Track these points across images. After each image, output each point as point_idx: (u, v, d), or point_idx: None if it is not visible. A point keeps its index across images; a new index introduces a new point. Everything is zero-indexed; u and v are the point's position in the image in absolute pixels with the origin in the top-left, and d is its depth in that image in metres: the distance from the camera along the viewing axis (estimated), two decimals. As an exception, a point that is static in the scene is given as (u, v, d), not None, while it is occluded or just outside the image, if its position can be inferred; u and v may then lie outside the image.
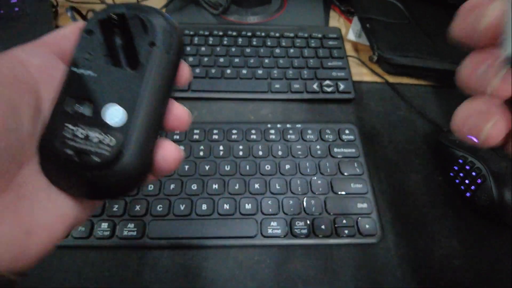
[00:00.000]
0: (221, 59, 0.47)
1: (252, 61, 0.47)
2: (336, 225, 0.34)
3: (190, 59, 0.46)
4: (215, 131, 0.39)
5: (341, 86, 0.45)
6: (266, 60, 0.47)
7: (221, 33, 0.49)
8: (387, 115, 0.44)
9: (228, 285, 0.31)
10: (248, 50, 0.48)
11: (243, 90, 0.44)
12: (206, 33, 0.49)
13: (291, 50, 0.48)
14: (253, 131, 0.40)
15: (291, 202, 0.35)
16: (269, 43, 0.49)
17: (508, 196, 0.32)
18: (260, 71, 0.46)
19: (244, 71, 0.46)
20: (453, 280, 0.32)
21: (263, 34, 0.50)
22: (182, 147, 0.17)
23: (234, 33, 0.50)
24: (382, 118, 0.44)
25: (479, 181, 0.34)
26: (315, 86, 0.45)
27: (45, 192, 0.15)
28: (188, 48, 0.48)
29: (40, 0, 0.51)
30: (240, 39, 0.49)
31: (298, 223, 0.34)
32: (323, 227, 0.33)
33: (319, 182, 0.36)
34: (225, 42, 0.48)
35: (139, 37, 0.17)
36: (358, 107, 0.45)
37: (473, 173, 0.35)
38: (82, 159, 0.15)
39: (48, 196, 0.15)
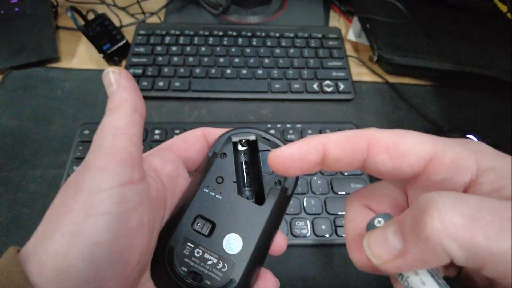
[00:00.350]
0: (221, 59, 0.47)
1: (252, 61, 0.47)
2: (336, 225, 0.34)
3: (190, 59, 0.46)
4: (215, 131, 0.39)
5: (341, 86, 0.45)
6: (266, 60, 0.47)
7: (221, 33, 0.49)
8: (387, 115, 0.44)
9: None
10: (248, 50, 0.48)
11: (243, 90, 0.44)
12: (206, 33, 0.49)
13: (291, 50, 0.48)
14: (253, 131, 0.40)
15: (291, 202, 0.35)
16: (269, 43, 0.49)
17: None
18: (260, 71, 0.46)
19: (244, 71, 0.46)
20: (453, 279, 0.32)
21: (263, 34, 0.50)
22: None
23: (234, 33, 0.50)
24: (382, 118, 0.44)
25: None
26: (315, 86, 0.45)
27: None
28: (188, 48, 0.48)
29: (40, 0, 0.51)
30: (240, 39, 0.49)
31: (298, 223, 0.34)
32: (323, 227, 0.33)
33: (319, 182, 0.36)
34: (225, 42, 0.48)
35: (267, 169, 0.18)
36: (358, 107, 0.45)
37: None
38: (193, 278, 0.16)
39: None
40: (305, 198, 0.35)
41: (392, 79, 0.48)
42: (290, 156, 0.15)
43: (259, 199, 0.18)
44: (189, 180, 0.20)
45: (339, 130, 0.40)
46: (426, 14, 0.52)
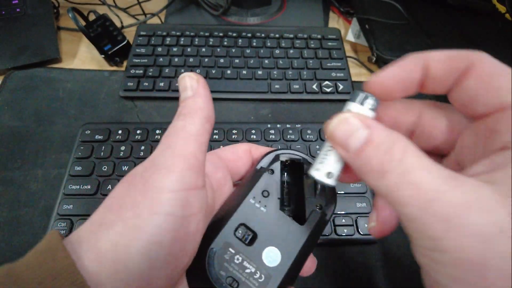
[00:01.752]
0: (222, 60, 0.47)
1: (252, 61, 0.47)
2: (335, 224, 0.34)
3: (191, 59, 0.47)
4: (215, 131, 0.40)
5: (341, 87, 0.45)
6: (266, 61, 0.47)
7: (221, 34, 0.50)
8: (386, 115, 0.44)
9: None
10: (248, 51, 0.48)
11: (243, 91, 0.45)
12: (207, 34, 0.50)
13: (291, 51, 0.49)
14: (253, 131, 0.40)
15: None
16: (269, 44, 0.49)
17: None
18: (260, 72, 0.46)
19: (244, 72, 0.46)
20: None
21: (263, 35, 0.50)
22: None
23: (234, 34, 0.50)
24: (381, 118, 0.44)
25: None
26: (314, 86, 0.45)
27: None
28: (189, 49, 0.48)
29: (41, 1, 0.51)
30: (240, 40, 0.49)
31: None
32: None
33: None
34: (225, 43, 0.49)
35: (310, 192, 0.20)
36: (357, 107, 0.45)
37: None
38: (230, 283, 0.16)
39: None
40: (304, 198, 0.35)
41: (391, 79, 0.48)
42: (393, 77, 0.14)
43: (299, 219, 0.19)
44: (232, 190, 0.20)
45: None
46: (425, 15, 0.52)
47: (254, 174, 0.19)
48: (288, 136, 0.40)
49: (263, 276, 0.17)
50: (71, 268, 0.12)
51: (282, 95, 0.45)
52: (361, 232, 0.33)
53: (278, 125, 0.41)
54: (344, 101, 0.45)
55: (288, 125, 0.41)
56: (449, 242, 0.11)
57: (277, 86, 0.45)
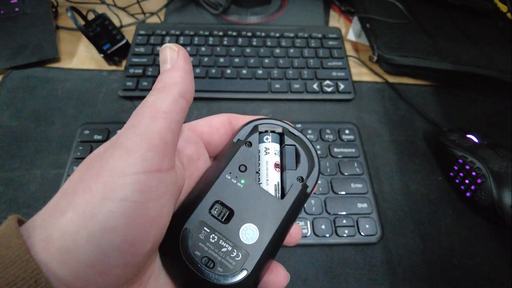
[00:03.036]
0: (221, 59, 0.47)
1: (252, 61, 0.47)
2: (336, 225, 0.34)
3: (190, 59, 0.46)
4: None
5: (341, 86, 0.45)
6: (266, 60, 0.47)
7: (221, 33, 0.49)
8: (387, 115, 0.44)
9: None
10: (248, 50, 0.48)
11: (243, 90, 0.44)
12: (206, 33, 0.49)
13: (291, 50, 0.48)
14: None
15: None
16: (269, 43, 0.49)
17: (508, 196, 0.33)
18: (260, 71, 0.46)
19: (244, 71, 0.46)
20: (452, 280, 0.32)
21: (263, 34, 0.50)
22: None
23: (234, 33, 0.50)
24: (382, 118, 0.44)
25: (479, 181, 0.34)
26: (315, 86, 0.45)
27: (155, 278, 0.16)
28: (188, 48, 0.48)
29: (40, 0, 0.51)
30: (240, 39, 0.49)
31: (298, 223, 0.34)
32: (323, 227, 0.33)
33: (319, 182, 0.36)
34: (225, 42, 0.48)
35: (290, 164, 0.19)
36: (358, 107, 0.45)
37: (473, 173, 0.35)
38: (206, 263, 0.16)
39: (156, 281, 0.16)
40: (305, 198, 0.35)
41: (392, 79, 0.48)
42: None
43: (279, 193, 0.18)
44: (209, 164, 0.19)
45: (339, 130, 0.40)
46: (426, 14, 0.52)
47: (231, 148, 0.18)
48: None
49: (240, 254, 0.16)
50: (24, 256, 0.12)
51: (283, 94, 0.44)
52: (362, 233, 0.33)
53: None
54: (344, 100, 0.45)
55: (288, 125, 0.40)
56: None
57: (277, 86, 0.45)
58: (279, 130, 0.19)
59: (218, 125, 0.19)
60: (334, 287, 0.32)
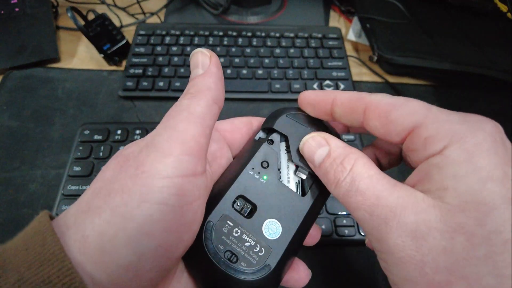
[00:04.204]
0: (222, 59, 0.47)
1: (252, 61, 0.47)
2: (336, 225, 0.34)
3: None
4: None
5: (341, 86, 0.45)
6: (266, 60, 0.47)
7: (221, 33, 0.49)
8: (387, 115, 0.44)
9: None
10: (248, 50, 0.48)
11: (243, 90, 0.44)
12: (206, 33, 0.49)
13: (291, 50, 0.48)
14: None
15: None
16: (269, 43, 0.49)
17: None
18: (260, 71, 0.46)
19: (244, 71, 0.46)
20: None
21: (263, 34, 0.50)
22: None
23: (234, 33, 0.50)
24: (382, 118, 0.44)
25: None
26: (315, 86, 0.45)
27: (178, 279, 0.16)
28: (188, 49, 0.48)
29: (40, 0, 0.51)
30: (240, 39, 0.49)
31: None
32: (323, 227, 0.33)
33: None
34: (225, 42, 0.48)
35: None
36: (358, 107, 0.45)
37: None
38: (229, 257, 0.16)
39: (179, 282, 0.16)
40: (305, 198, 0.35)
41: (392, 79, 0.48)
42: (309, 99, 0.18)
43: (301, 190, 0.18)
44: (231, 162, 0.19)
45: (339, 130, 0.40)
46: (426, 14, 0.52)
47: (253, 145, 0.19)
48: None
49: (263, 249, 0.16)
50: (60, 254, 0.12)
51: (283, 94, 0.44)
52: (362, 233, 0.33)
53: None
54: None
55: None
56: (390, 242, 0.13)
57: (277, 86, 0.45)
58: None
59: (240, 125, 0.20)
60: (334, 287, 0.31)
